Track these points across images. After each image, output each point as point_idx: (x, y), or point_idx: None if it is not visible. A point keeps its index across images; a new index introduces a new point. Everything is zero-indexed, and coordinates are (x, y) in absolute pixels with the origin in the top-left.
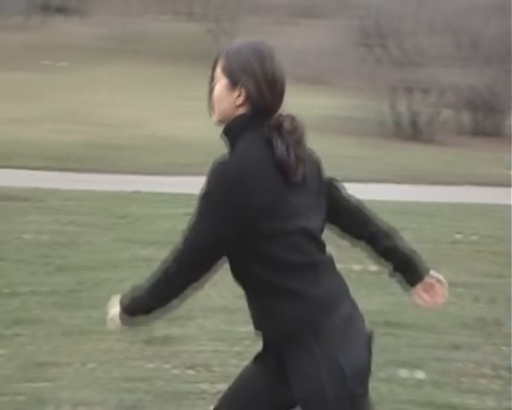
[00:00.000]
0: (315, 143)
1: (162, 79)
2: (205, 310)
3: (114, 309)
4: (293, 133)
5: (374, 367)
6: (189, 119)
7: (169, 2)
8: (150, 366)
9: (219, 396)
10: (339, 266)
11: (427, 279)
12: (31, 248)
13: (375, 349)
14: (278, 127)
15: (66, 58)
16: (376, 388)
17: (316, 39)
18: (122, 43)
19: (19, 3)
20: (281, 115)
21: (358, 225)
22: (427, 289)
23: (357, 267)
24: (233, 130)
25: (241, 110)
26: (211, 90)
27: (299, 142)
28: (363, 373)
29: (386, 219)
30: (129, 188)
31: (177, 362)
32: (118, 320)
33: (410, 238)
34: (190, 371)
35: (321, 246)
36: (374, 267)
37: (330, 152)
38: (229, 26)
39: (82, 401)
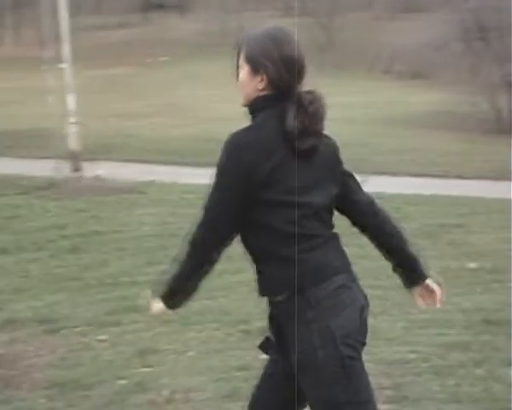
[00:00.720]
0: (418, 138)
1: None
2: None
3: (157, 305)
4: (308, 107)
5: (471, 365)
6: None
7: None
8: (248, 356)
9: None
10: (436, 263)
11: (426, 283)
12: (146, 238)
13: (474, 347)
14: (297, 102)
15: (168, 53)
16: (474, 385)
17: (415, 34)
18: (221, 38)
19: (121, 2)
20: (301, 92)
21: (367, 218)
22: (425, 293)
23: (454, 265)
24: (254, 108)
25: (263, 93)
26: (237, 77)
27: (313, 115)
28: (354, 337)
29: (490, 217)
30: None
31: None
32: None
33: None
34: None
35: (324, 221)
36: (472, 264)
37: (431, 147)
38: (326, 22)
39: (181, 387)
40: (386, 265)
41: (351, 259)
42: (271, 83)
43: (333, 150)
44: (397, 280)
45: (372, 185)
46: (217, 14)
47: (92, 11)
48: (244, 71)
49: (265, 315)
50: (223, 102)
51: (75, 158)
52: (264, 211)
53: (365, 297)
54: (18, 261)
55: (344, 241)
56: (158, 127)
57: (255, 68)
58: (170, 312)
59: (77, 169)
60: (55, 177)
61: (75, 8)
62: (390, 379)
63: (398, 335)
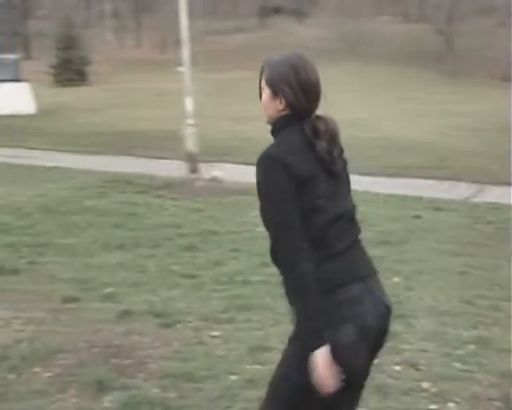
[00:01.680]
0: None
1: (380, 80)
2: (425, 311)
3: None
4: (327, 133)
5: None
6: (407, 120)
7: (388, 3)
8: None
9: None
10: None
11: None
12: (260, 240)
13: None
14: (315, 129)
15: None
16: None
17: None
18: (339, 43)
19: (238, 7)
20: (316, 118)
21: None
22: None
23: None
24: (277, 126)
25: (283, 113)
26: (260, 97)
27: (333, 140)
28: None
29: None
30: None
31: (398, 359)
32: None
33: None
34: (411, 369)
35: (347, 229)
36: None
37: None
38: (446, 28)
39: None
40: (499, 276)
41: (465, 268)
42: (289, 105)
43: (345, 161)
44: (510, 292)
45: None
46: (334, 19)
47: (210, 16)
48: (265, 93)
49: None
50: (342, 107)
51: (192, 159)
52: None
53: (386, 306)
54: (135, 257)
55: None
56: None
57: (275, 92)
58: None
59: (194, 170)
60: (173, 177)
61: (194, 13)
62: (499, 391)
63: (510, 346)
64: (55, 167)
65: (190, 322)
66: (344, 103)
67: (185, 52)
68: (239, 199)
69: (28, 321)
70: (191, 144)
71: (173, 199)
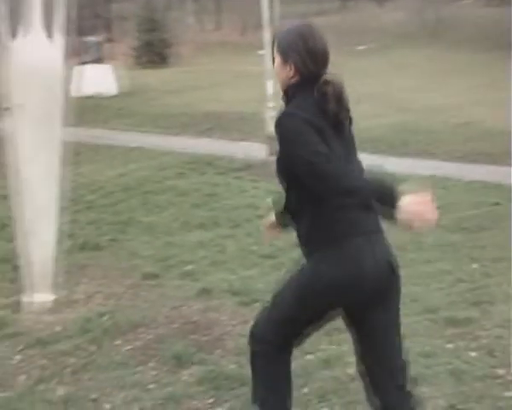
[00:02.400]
0: None
1: (461, 65)
2: (502, 298)
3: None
4: (334, 96)
5: None
6: (490, 107)
7: None
8: (432, 344)
9: None
10: None
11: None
12: None
13: None
14: (323, 92)
15: (367, 42)
16: None
17: None
18: (420, 28)
19: None
20: (325, 81)
21: None
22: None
23: None
24: (288, 94)
25: (294, 79)
26: (273, 65)
27: (340, 102)
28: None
29: None
30: (427, 172)
31: (474, 345)
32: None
33: None
34: (487, 356)
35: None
36: None
37: None
38: None
39: None
40: None
41: None
42: (298, 71)
43: (350, 121)
44: None
45: None
46: (416, 3)
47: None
48: (277, 61)
49: (454, 307)
50: (424, 92)
51: (272, 142)
52: None
53: (389, 262)
54: (215, 236)
55: None
56: (359, 116)
57: (285, 59)
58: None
59: (273, 153)
60: (252, 159)
61: None
62: None
63: None
64: (137, 148)
65: (268, 301)
66: (425, 89)
67: (266, 35)
68: None
69: (109, 296)
70: (271, 127)
71: (252, 181)
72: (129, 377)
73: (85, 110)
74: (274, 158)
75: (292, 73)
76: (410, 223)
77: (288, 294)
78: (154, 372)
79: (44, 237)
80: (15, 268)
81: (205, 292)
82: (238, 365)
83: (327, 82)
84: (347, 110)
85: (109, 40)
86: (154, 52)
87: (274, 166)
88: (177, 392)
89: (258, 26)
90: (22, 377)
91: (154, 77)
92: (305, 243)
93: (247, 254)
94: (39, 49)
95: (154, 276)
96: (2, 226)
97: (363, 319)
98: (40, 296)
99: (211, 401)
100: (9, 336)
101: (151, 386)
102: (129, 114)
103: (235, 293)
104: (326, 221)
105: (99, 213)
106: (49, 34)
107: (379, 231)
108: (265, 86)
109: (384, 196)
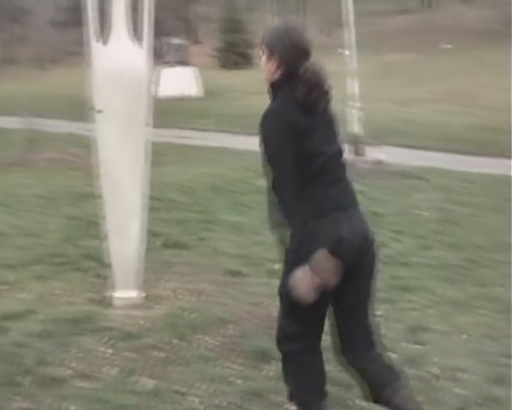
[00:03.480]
0: None
1: None
2: None
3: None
4: (310, 80)
5: None
6: None
7: None
8: None
9: None
10: None
11: None
12: (423, 222)
13: None
14: (301, 78)
15: (450, 41)
16: None
17: None
18: (504, 25)
19: None
20: (305, 69)
21: None
22: None
23: None
24: (274, 87)
25: (277, 74)
26: (260, 60)
27: (315, 86)
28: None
29: None
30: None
31: None
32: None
33: None
34: None
35: (337, 165)
36: None
37: None
38: None
39: (448, 367)
40: None
41: None
42: (283, 61)
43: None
44: None
45: None
46: (500, 1)
47: None
48: (264, 55)
49: None
50: (506, 91)
51: (357, 142)
52: (301, 161)
53: (364, 234)
54: None
55: None
56: (437, 114)
57: (271, 52)
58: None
59: (358, 152)
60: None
61: None
62: None
63: None
64: (222, 148)
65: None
66: (508, 88)
67: (349, 35)
68: (402, 182)
69: (195, 292)
70: (356, 127)
71: None
72: (213, 371)
73: (169, 112)
74: (359, 158)
75: (275, 66)
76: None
77: (286, 282)
78: (237, 367)
79: (132, 235)
80: (104, 265)
81: None
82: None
83: (306, 70)
84: (327, 95)
85: (194, 42)
86: (237, 53)
87: (359, 166)
88: (260, 386)
89: (341, 25)
90: (111, 370)
91: (236, 78)
92: (287, 221)
93: None
94: (125, 52)
95: (239, 273)
96: (90, 224)
97: (341, 286)
98: (128, 293)
99: None
100: (99, 331)
101: (235, 380)
102: (213, 114)
103: None
104: (306, 201)
105: (186, 213)
106: (135, 37)
107: (355, 206)
108: (348, 86)
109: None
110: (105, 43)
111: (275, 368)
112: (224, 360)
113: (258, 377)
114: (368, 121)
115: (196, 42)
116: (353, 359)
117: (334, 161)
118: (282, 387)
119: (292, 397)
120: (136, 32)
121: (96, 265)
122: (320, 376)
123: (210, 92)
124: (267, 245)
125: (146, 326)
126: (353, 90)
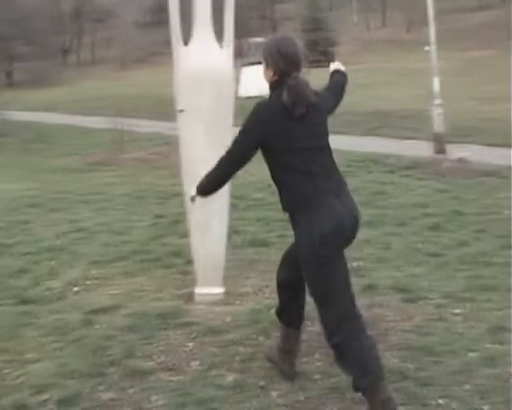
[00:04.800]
0: None
1: None
2: None
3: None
4: (294, 88)
5: None
6: None
7: None
8: None
9: None
10: None
11: None
12: (505, 222)
13: None
14: (287, 85)
15: None
16: None
17: None
18: None
19: None
20: (292, 78)
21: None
22: None
23: None
24: (271, 89)
25: (273, 79)
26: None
27: (297, 93)
28: (331, 240)
29: None
30: None
31: None
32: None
33: None
34: None
35: (322, 158)
36: None
37: None
38: None
39: None
40: None
41: None
42: (275, 71)
43: (323, 107)
44: None
45: None
46: None
47: None
48: (263, 66)
49: None
50: None
51: (439, 140)
52: (278, 154)
53: (354, 215)
54: (381, 234)
55: None
56: None
57: (266, 63)
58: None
59: (441, 151)
60: (419, 157)
61: None
62: None
63: None
64: None
65: (432, 299)
66: None
67: (431, 31)
68: (485, 180)
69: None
70: (438, 125)
71: (420, 179)
72: (296, 366)
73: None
74: (441, 156)
75: (271, 74)
76: None
77: (307, 275)
78: (319, 364)
79: (216, 232)
80: (188, 262)
81: (370, 288)
82: (400, 359)
83: (293, 80)
84: (307, 102)
85: None
86: (319, 51)
87: (441, 164)
88: (341, 383)
89: (424, 22)
90: (195, 363)
91: (318, 76)
92: (285, 208)
93: (413, 251)
94: (210, 52)
95: None
96: (175, 222)
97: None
98: (211, 289)
99: None
100: (183, 326)
101: (316, 376)
102: None
103: (400, 290)
104: (298, 189)
105: (267, 211)
106: (219, 37)
107: (343, 189)
108: (432, 83)
109: None
110: (187, 43)
111: None
112: (305, 357)
113: (339, 374)
114: (449, 119)
115: None
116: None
117: (320, 154)
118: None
119: (356, 386)
120: (220, 33)
121: (180, 262)
122: (371, 355)
123: None
124: None
125: (229, 322)
126: (436, 88)
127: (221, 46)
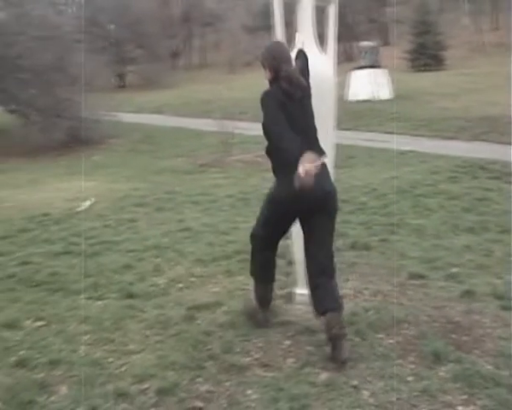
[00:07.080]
0: None
1: None
2: None
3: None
4: (287, 77)
5: None
6: None
7: None
8: None
9: None
10: None
11: None
12: None
13: None
14: (284, 76)
15: None
16: None
17: None
18: None
19: None
20: (285, 71)
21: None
22: None
23: None
24: (270, 83)
25: (271, 75)
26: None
27: (291, 80)
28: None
29: None
30: None
31: None
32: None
33: None
34: None
35: (310, 136)
36: None
37: None
38: None
39: None
40: None
41: None
42: (271, 69)
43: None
44: None
45: None
46: None
47: None
48: (263, 68)
49: None
50: None
51: None
52: None
53: (329, 185)
54: (482, 241)
55: None
56: None
57: (264, 66)
58: None
59: None
60: None
61: None
62: None
63: None
64: (410, 151)
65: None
66: None
67: None
68: None
69: (376, 292)
70: None
71: None
72: (388, 369)
73: (361, 114)
74: None
75: (269, 73)
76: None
77: (264, 208)
78: (412, 366)
79: None
80: (290, 263)
81: (468, 294)
82: (494, 366)
83: (286, 71)
84: (301, 88)
85: (385, 44)
86: (428, 55)
87: None
88: (433, 386)
89: None
90: (290, 361)
91: (428, 80)
92: (273, 172)
93: None
94: (311, 57)
95: (420, 276)
96: None
97: (307, 222)
98: None
99: (464, 397)
100: (281, 324)
101: (409, 378)
102: (403, 117)
103: (498, 297)
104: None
105: (370, 215)
106: (321, 42)
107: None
108: None
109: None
110: (291, 48)
111: (448, 369)
112: (399, 359)
113: (432, 378)
114: None
115: (388, 44)
116: (310, 276)
117: (307, 128)
118: (455, 388)
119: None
120: (322, 38)
121: (283, 263)
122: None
123: (400, 95)
124: (449, 249)
125: None
126: None
127: (323, 51)
